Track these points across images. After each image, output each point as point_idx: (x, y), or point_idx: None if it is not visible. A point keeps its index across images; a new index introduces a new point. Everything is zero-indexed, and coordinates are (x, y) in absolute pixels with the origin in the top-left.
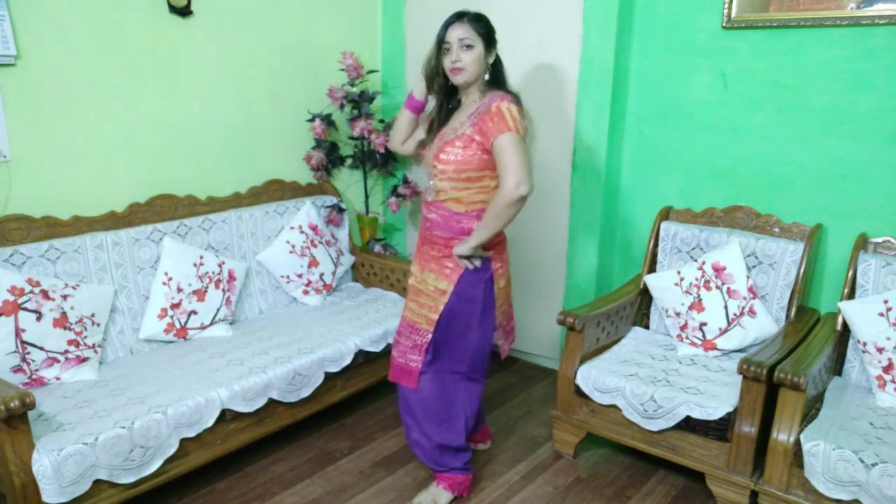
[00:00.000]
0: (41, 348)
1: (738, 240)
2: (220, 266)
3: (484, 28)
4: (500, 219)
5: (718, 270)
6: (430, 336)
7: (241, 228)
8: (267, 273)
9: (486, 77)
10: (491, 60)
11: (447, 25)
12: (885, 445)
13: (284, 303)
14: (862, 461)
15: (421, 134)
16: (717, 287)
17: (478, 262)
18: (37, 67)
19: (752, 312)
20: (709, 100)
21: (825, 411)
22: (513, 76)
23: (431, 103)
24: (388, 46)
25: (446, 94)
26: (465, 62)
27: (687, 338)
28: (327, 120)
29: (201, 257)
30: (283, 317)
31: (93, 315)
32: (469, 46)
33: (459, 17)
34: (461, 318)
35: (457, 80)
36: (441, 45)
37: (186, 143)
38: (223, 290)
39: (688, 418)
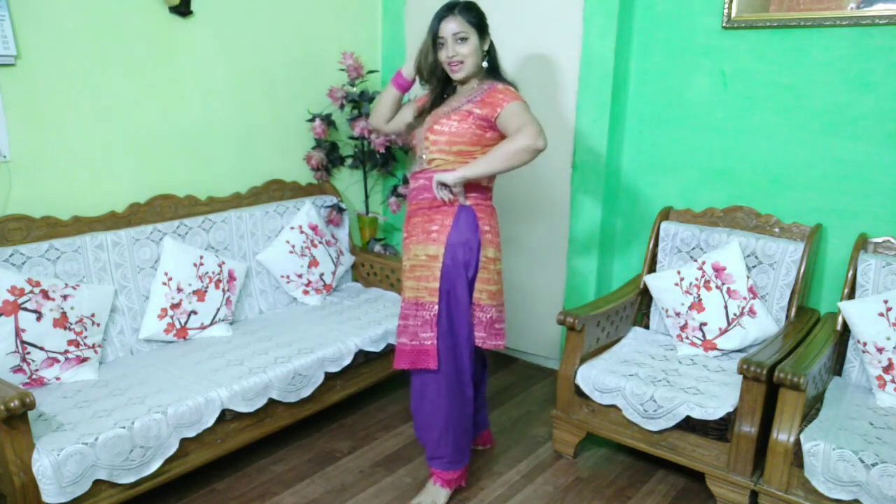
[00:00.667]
0: (41, 348)
1: (738, 240)
2: (220, 266)
3: (476, 17)
4: (505, 160)
5: (718, 270)
6: (436, 308)
7: (241, 228)
8: (267, 273)
9: (485, 65)
10: (486, 48)
11: (440, 19)
12: (885, 445)
13: (284, 303)
14: (862, 461)
15: (408, 116)
16: (717, 287)
17: (448, 196)
18: (37, 67)
19: (752, 312)
20: (709, 100)
21: (825, 411)
22: (512, 76)
23: (418, 86)
24: (388, 46)
25: (443, 85)
26: (461, 55)
27: (687, 338)
28: (327, 120)
29: (201, 257)
30: (283, 317)
31: (93, 315)
32: (464, 39)
33: (450, 9)
34: (458, 285)
35: (456, 75)
36: (435, 39)
37: (186, 143)
38: (223, 290)
39: (688, 418)
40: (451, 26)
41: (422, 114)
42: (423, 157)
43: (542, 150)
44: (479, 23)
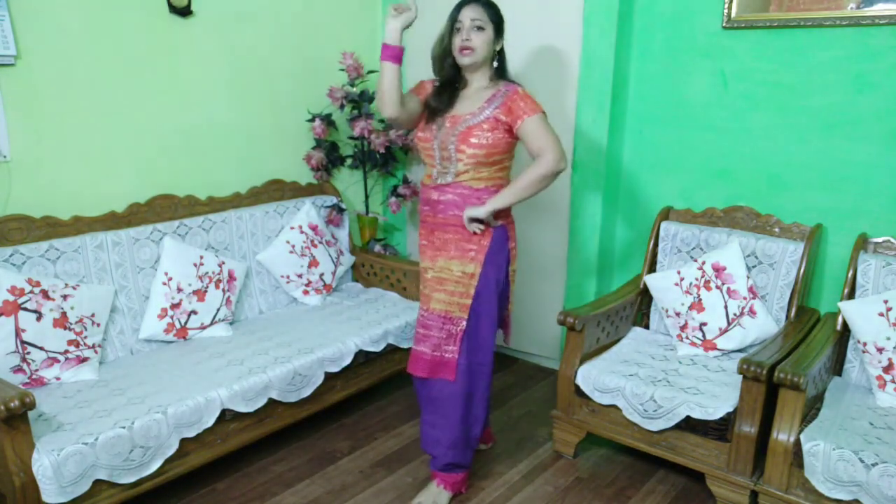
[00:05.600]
0: (41, 348)
1: (738, 240)
2: (220, 266)
3: (495, 15)
4: (531, 188)
5: (718, 270)
6: (464, 323)
7: (241, 228)
8: (267, 273)
9: (494, 64)
10: (498, 48)
11: (461, 6)
12: (885, 445)
13: (284, 303)
14: (862, 461)
15: (414, 107)
16: (717, 287)
17: (480, 228)
18: (37, 67)
19: (752, 312)
20: (709, 100)
21: (825, 411)
22: (513, 76)
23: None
24: None
25: (453, 76)
26: (474, 43)
27: (687, 338)
28: (327, 120)
29: (201, 257)
30: (283, 317)
31: (93, 315)
32: (480, 28)
33: None
34: (486, 304)
35: (464, 60)
36: (453, 25)
37: (186, 143)
38: (223, 290)
39: (688, 418)
40: (471, 13)
41: (429, 109)
42: (450, 167)
43: (563, 171)
44: (497, 21)
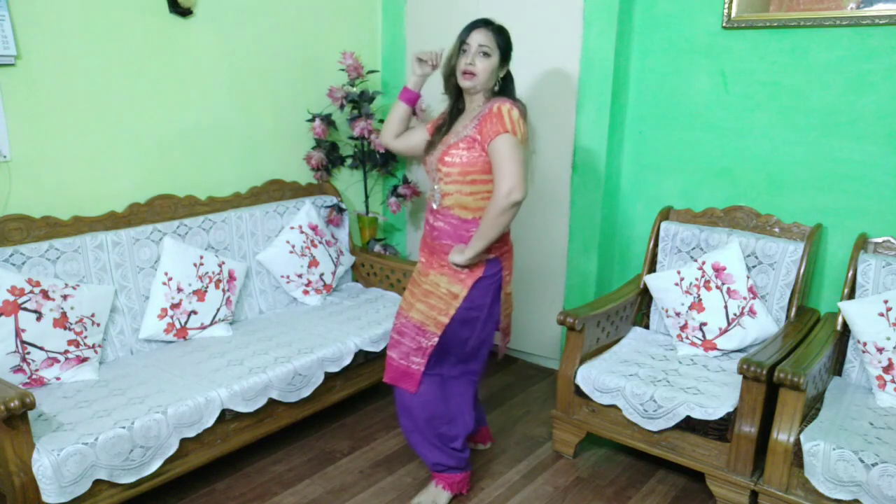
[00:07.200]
0: (41, 348)
1: (738, 240)
2: (220, 266)
3: (504, 42)
4: (494, 227)
5: (718, 270)
6: (436, 339)
7: (241, 228)
8: (267, 273)
9: (495, 88)
10: (502, 74)
11: (471, 28)
12: (885, 445)
13: (284, 303)
14: (862, 461)
15: (418, 139)
16: (717, 287)
17: (465, 269)
18: (37, 67)
19: (752, 312)
20: (709, 100)
21: (825, 411)
22: (513, 77)
23: (426, 98)
24: (388, 46)
25: (457, 96)
26: (478, 68)
27: (687, 338)
28: (327, 120)
29: (201, 257)
30: (283, 317)
31: (93, 315)
32: (486, 54)
33: (486, 24)
34: (468, 324)
35: (464, 83)
36: (461, 46)
37: (186, 143)
38: (223, 290)
39: (688, 418)
40: (479, 37)
41: (438, 131)
42: (437, 188)
43: (522, 200)
44: (505, 48)
